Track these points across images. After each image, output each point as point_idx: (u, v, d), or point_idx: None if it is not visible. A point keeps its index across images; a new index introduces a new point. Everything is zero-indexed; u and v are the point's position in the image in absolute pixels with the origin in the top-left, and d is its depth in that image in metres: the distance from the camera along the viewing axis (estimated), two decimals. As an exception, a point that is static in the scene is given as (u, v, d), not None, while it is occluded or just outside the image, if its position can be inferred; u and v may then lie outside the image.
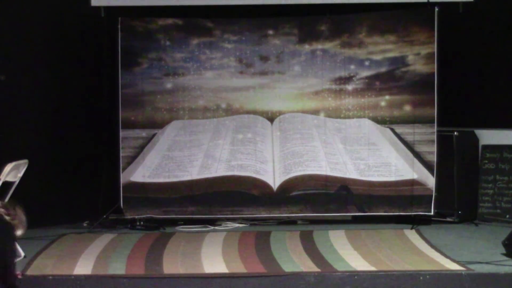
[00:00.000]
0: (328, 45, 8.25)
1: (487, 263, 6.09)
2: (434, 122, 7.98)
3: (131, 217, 8.10)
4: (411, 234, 7.46)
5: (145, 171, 8.22)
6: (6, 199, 6.42)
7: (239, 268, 6.17)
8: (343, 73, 8.23)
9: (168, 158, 8.26)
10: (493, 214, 8.09)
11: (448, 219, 8.05)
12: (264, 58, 8.32)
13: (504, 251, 6.37)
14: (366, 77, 8.21)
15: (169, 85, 8.33)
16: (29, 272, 5.95)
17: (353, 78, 8.22)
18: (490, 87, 8.39)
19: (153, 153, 8.25)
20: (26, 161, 6.67)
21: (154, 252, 6.77)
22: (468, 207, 8.15)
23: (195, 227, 8.00)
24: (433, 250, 6.68)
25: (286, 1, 8.49)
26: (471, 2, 8.34)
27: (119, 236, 7.58)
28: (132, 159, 8.22)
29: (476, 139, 8.37)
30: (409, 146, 8.09)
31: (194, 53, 8.31)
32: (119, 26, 8.15)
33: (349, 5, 8.38)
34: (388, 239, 7.26)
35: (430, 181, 7.98)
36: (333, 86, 8.25)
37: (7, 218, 4.54)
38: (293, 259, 6.44)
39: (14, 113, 7.86)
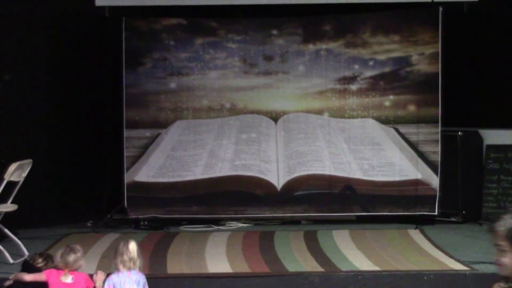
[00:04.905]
0: (332, 45, 8.25)
1: (491, 263, 6.06)
2: (438, 122, 7.97)
3: (135, 217, 8.11)
4: (415, 234, 7.45)
5: (149, 171, 8.23)
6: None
7: (243, 267, 6.17)
8: (347, 73, 8.22)
9: (172, 158, 8.27)
10: (497, 214, 8.05)
11: (452, 219, 8.04)
12: (268, 58, 8.31)
13: (508, 251, 6.35)
14: (370, 77, 8.20)
15: (173, 85, 8.33)
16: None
17: (357, 78, 8.21)
18: (494, 87, 8.37)
19: (157, 153, 8.25)
20: (30, 161, 6.68)
21: (158, 251, 6.78)
22: (472, 207, 8.13)
23: (199, 227, 8.00)
24: (437, 250, 6.68)
25: (291, 1, 8.48)
26: (475, 2, 8.31)
27: (123, 236, 7.56)
28: (136, 158, 8.23)
29: (480, 139, 8.35)
30: (413, 146, 8.08)
31: (198, 53, 8.31)
32: (123, 26, 8.16)
33: (353, 5, 8.36)
34: (392, 239, 7.25)
35: (434, 181, 7.97)
36: (337, 86, 8.24)
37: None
38: (297, 259, 6.44)
39: (19, 113, 7.88)
